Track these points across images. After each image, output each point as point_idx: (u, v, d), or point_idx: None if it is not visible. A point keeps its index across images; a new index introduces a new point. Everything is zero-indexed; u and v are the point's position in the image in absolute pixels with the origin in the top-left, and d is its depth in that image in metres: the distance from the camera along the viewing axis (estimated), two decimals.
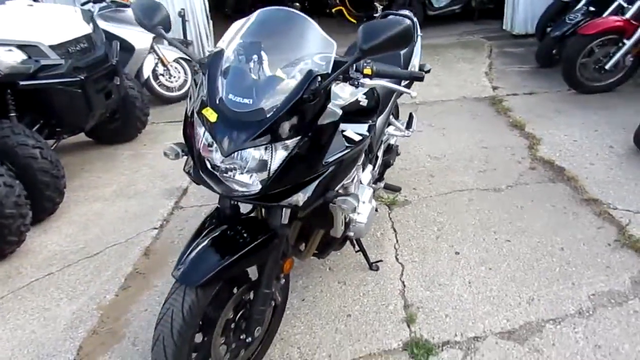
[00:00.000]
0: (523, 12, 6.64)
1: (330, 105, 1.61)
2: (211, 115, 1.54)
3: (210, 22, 6.70)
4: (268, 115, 1.49)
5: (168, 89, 5.48)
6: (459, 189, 3.28)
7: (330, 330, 2.22)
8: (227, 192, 1.61)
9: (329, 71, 1.58)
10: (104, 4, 5.18)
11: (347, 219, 2.04)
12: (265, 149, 1.52)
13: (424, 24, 6.03)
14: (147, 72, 5.23)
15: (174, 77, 5.52)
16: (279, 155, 1.53)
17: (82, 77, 3.47)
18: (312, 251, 2.22)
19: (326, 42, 1.63)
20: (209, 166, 1.61)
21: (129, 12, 4.99)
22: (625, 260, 2.47)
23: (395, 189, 3.01)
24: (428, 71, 1.80)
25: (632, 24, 4.16)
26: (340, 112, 1.65)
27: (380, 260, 2.60)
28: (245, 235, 1.72)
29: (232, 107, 1.52)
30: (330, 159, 1.69)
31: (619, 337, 2.05)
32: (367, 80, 1.66)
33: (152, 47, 5.21)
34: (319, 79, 1.54)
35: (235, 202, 1.84)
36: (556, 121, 4.10)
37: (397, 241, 2.80)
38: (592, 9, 4.75)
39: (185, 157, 1.86)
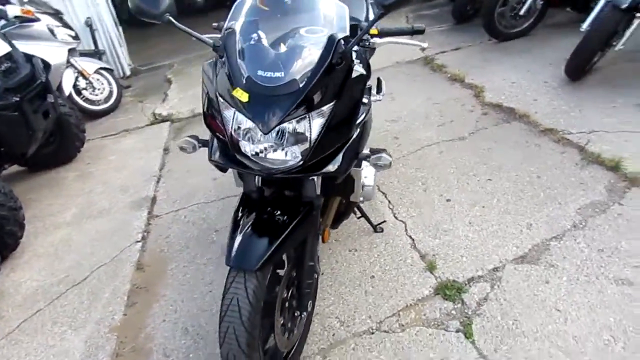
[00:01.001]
0: None
1: (355, 67, 1.63)
2: (242, 95, 1.50)
3: (120, 28, 6.35)
4: (301, 85, 1.48)
5: (94, 102, 5.15)
6: (427, 144, 3.43)
7: (361, 295, 2.27)
8: (267, 170, 1.58)
9: (347, 33, 1.60)
10: (2, 21, 4.72)
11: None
12: (304, 119, 1.52)
13: None
14: (68, 88, 4.87)
15: (98, 89, 5.19)
16: (317, 124, 1.53)
17: (17, 99, 3.18)
18: (329, 221, 2.24)
19: (338, 6, 1.64)
20: (244, 148, 1.57)
21: (37, 27, 4.61)
22: (594, 174, 2.74)
23: (379, 151, 3.09)
24: (424, 29, 1.87)
25: None
26: (364, 72, 1.67)
27: (384, 221, 2.67)
28: (283, 214, 1.71)
29: (263, 83, 1.49)
30: (358, 121, 1.72)
31: (615, 238, 2.29)
32: (377, 40, 1.69)
33: (68, 61, 4.86)
34: (342, 42, 1.55)
35: (259, 186, 1.81)
36: (490, 69, 4.38)
37: (389, 202, 2.88)
38: None
39: (202, 149, 1.80)
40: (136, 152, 4.27)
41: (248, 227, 1.64)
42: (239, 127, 1.53)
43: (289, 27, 1.64)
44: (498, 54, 4.74)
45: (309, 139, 1.52)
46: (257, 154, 1.55)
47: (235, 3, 1.73)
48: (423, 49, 1.79)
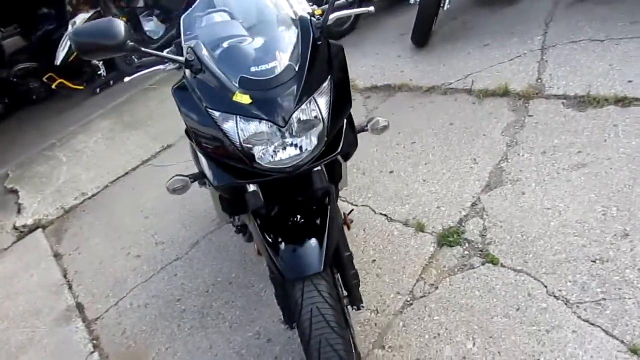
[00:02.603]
0: None
1: (330, 41, 1.61)
2: (243, 98, 1.39)
3: None
4: (297, 69, 1.42)
5: None
6: None
7: (374, 280, 2.22)
8: (292, 164, 1.47)
9: (310, 11, 1.58)
10: None
11: None
12: (311, 101, 1.45)
13: None
14: None
15: None
16: (323, 103, 1.47)
17: None
18: None
19: None
20: (259, 154, 1.44)
21: None
22: (494, 104, 3.08)
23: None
24: None
25: None
26: (339, 43, 1.66)
27: (351, 211, 2.66)
28: (306, 215, 1.62)
29: (261, 77, 1.40)
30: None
31: (546, 140, 2.59)
32: (333, 14, 1.70)
33: None
34: (316, 17, 1.53)
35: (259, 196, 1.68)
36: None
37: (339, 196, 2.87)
38: None
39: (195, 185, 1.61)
40: (22, 273, 3.59)
41: (285, 238, 1.52)
42: (248, 134, 1.40)
43: (251, 23, 1.56)
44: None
45: (322, 120, 1.45)
46: (275, 153, 1.44)
47: (182, 19, 1.60)
48: (371, 13, 1.84)
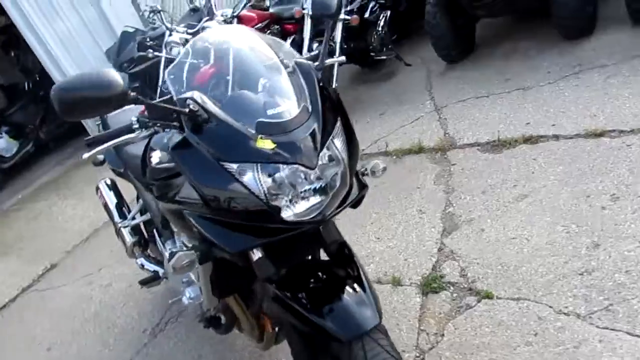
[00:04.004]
0: None
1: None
2: (265, 143, 1.25)
3: None
4: (311, 110, 1.34)
5: None
6: None
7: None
8: (326, 211, 1.33)
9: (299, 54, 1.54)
10: None
11: None
12: (331, 143, 1.36)
13: None
14: None
15: None
16: (339, 143, 1.39)
17: None
18: None
19: (273, 41, 1.55)
20: (284, 204, 1.28)
21: None
22: (409, 161, 3.24)
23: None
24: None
25: None
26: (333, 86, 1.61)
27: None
28: (328, 272, 1.49)
29: (281, 120, 1.29)
30: None
31: (481, 182, 2.77)
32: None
33: None
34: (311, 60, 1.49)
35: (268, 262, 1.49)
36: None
37: None
38: None
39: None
40: None
41: (321, 301, 1.36)
42: (273, 182, 1.25)
43: (247, 71, 1.45)
44: None
45: (342, 161, 1.36)
46: (301, 201, 1.30)
47: (166, 73, 1.43)
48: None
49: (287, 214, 1.27)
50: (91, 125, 7.05)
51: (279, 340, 1.90)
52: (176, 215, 1.56)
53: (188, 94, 1.30)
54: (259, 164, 1.24)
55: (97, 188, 2.76)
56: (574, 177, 2.47)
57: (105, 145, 1.44)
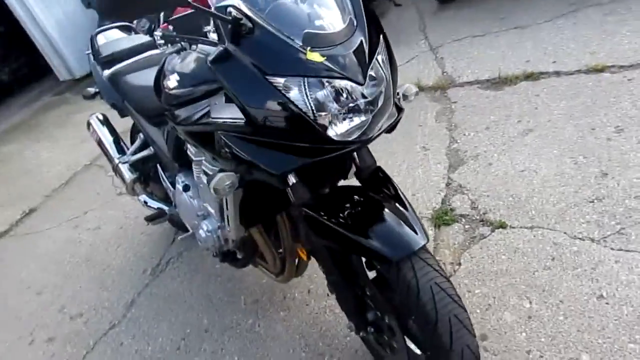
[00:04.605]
0: None
1: None
2: (314, 56, 1.17)
3: None
4: (356, 24, 1.26)
5: None
6: None
7: None
8: (370, 132, 1.27)
9: None
10: None
11: None
12: (377, 58, 1.29)
13: None
14: None
15: None
16: (382, 60, 1.32)
17: None
18: None
19: None
20: (332, 122, 1.22)
21: None
22: None
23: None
24: None
25: None
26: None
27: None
28: (364, 193, 1.45)
29: (329, 31, 1.20)
30: None
31: (484, 119, 2.77)
32: None
33: None
34: None
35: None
36: None
37: None
38: None
39: None
40: None
41: (363, 223, 1.32)
42: (323, 97, 1.18)
43: None
44: None
45: (386, 78, 1.29)
46: (349, 119, 1.23)
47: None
48: None
49: (332, 133, 1.22)
50: (56, 65, 6.68)
51: (299, 271, 1.89)
52: (202, 140, 1.48)
53: (228, 2, 1.20)
54: (306, 78, 1.17)
55: (89, 124, 2.60)
56: (577, 111, 2.49)
57: (124, 63, 1.35)
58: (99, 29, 2.54)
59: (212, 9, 1.24)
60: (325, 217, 1.38)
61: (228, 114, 1.29)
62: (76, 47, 6.34)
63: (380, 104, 1.26)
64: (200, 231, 1.84)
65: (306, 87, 1.17)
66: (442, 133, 2.77)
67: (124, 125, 2.63)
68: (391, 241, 1.26)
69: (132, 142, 2.65)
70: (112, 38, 2.45)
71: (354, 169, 1.50)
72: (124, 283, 2.69)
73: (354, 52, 1.20)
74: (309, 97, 1.17)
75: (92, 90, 2.54)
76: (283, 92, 1.16)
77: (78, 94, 6.19)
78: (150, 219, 2.38)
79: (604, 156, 2.17)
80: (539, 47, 3.12)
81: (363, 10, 1.28)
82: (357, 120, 1.23)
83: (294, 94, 1.17)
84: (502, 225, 2.06)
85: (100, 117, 2.61)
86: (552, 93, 2.70)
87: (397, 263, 1.24)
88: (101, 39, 2.44)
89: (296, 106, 1.17)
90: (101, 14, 4.27)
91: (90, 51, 2.48)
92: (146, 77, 2.03)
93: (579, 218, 1.96)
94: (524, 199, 2.14)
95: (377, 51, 1.27)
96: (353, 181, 1.48)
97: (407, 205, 1.36)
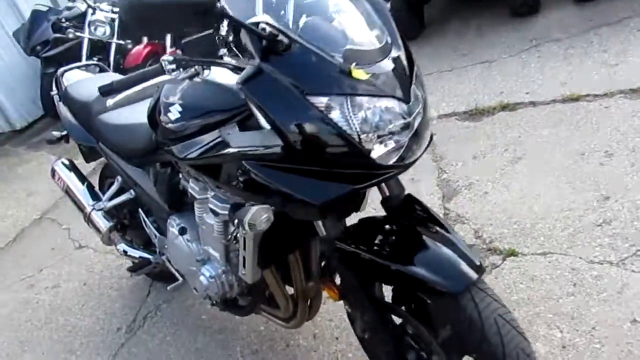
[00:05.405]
0: None
1: None
2: (359, 73, 1.08)
3: None
4: (390, 41, 1.19)
5: None
6: None
7: None
8: (413, 154, 1.18)
9: None
10: None
11: None
12: (416, 76, 1.22)
13: None
14: None
15: None
16: (418, 78, 1.25)
17: None
18: None
19: None
20: (377, 145, 1.11)
21: None
22: None
23: None
24: None
25: None
26: None
27: None
28: (399, 223, 1.34)
29: (369, 48, 1.12)
30: None
31: (469, 149, 2.76)
32: None
33: None
34: None
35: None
36: None
37: None
38: None
39: None
40: None
41: (406, 253, 1.21)
42: (369, 117, 1.08)
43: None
44: None
45: (422, 98, 1.22)
46: (394, 142, 1.13)
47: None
48: None
49: (374, 156, 1.11)
50: None
51: (312, 314, 1.72)
52: (213, 173, 1.33)
53: (258, 18, 1.08)
54: (349, 97, 1.06)
55: (53, 171, 2.36)
56: (562, 138, 2.52)
57: (128, 92, 1.20)
58: (64, 69, 2.36)
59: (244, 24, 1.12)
60: (360, 250, 1.26)
61: (252, 142, 1.16)
62: (15, 99, 6.01)
63: (418, 124, 1.18)
64: (202, 278, 1.65)
65: (349, 106, 1.06)
66: (429, 164, 2.73)
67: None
68: (446, 271, 1.15)
69: (101, 188, 2.43)
70: (78, 78, 2.29)
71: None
72: (95, 345, 2.39)
73: (394, 69, 1.12)
74: (353, 118, 1.06)
75: (57, 134, 2.33)
76: (324, 111, 1.06)
77: (20, 146, 5.79)
78: (133, 270, 2.14)
79: (600, 180, 2.18)
80: (509, 79, 3.19)
81: (395, 27, 1.21)
82: (398, 142, 1.13)
83: (335, 114, 1.06)
84: (513, 253, 2.00)
85: (67, 163, 2.37)
86: (531, 122, 2.73)
87: (454, 295, 1.12)
88: (67, 80, 2.27)
89: (340, 128, 1.06)
90: (44, 60, 4.05)
91: (56, 92, 2.29)
92: (126, 116, 1.87)
93: (590, 242, 1.93)
94: (529, 226, 2.10)
95: (414, 69, 1.20)
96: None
97: (451, 230, 1.26)
